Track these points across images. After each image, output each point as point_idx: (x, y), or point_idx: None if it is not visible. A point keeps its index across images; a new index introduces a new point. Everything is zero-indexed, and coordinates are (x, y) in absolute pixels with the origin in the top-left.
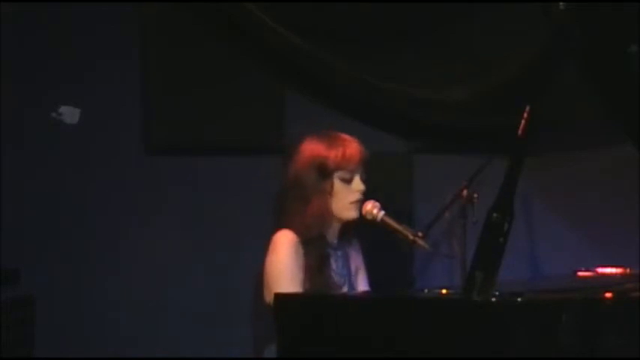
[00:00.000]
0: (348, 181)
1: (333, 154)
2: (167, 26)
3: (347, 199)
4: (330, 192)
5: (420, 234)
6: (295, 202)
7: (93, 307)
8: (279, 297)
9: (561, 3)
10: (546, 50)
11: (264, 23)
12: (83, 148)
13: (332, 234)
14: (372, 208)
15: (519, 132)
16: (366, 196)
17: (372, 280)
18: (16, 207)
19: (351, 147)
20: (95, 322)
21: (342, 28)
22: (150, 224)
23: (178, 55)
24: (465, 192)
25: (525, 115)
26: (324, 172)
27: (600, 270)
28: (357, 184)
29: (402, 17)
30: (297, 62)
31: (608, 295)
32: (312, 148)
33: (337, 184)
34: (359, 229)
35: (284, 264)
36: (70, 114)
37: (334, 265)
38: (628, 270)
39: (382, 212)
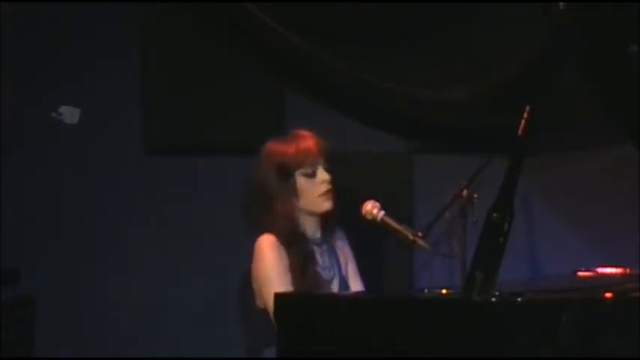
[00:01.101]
0: (311, 176)
1: (289, 153)
2: (167, 26)
3: (315, 192)
4: (294, 191)
5: (420, 234)
6: (260, 207)
7: (93, 307)
8: (279, 297)
9: (561, 3)
10: (546, 50)
11: (264, 23)
12: (83, 148)
13: (313, 229)
14: (372, 208)
15: (519, 132)
16: (366, 196)
17: (371, 279)
18: (16, 207)
19: (307, 141)
20: (95, 322)
21: (342, 28)
22: (150, 224)
23: (178, 55)
24: (465, 192)
25: (525, 115)
26: (284, 172)
27: (600, 270)
28: (322, 175)
29: (402, 17)
30: (297, 62)
31: (608, 295)
32: (270, 151)
33: (301, 180)
34: (357, 228)
35: (270, 268)
36: (70, 114)
37: (320, 260)
38: (628, 270)
39: (382, 212)
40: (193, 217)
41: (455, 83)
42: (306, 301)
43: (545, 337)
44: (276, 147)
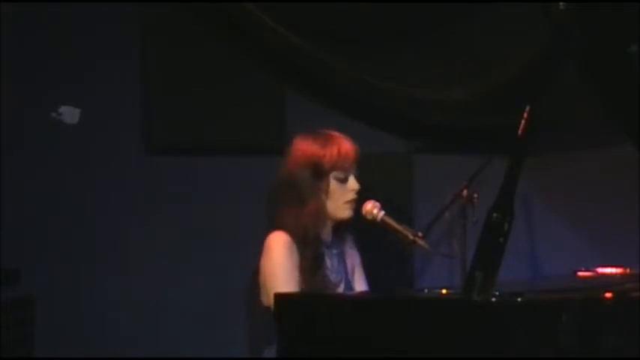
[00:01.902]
0: (343, 181)
1: (328, 154)
2: (167, 26)
3: (342, 198)
4: (325, 192)
5: (420, 234)
6: (290, 203)
7: (93, 307)
8: (279, 297)
9: (561, 3)
10: (546, 50)
11: (264, 23)
12: (83, 148)
13: (326, 233)
14: (372, 208)
15: (519, 132)
16: (366, 196)
17: (371, 279)
18: (16, 207)
19: (346, 146)
20: (95, 322)
21: (342, 28)
22: (150, 224)
23: (178, 55)
24: (465, 192)
25: (525, 115)
26: (319, 172)
27: (600, 270)
28: (352, 183)
29: (402, 17)
30: (297, 62)
31: (608, 295)
32: (306, 147)
33: (333, 184)
34: (357, 228)
35: (280, 265)
36: (70, 114)
37: (329, 263)
38: (628, 270)
39: (382, 212)
40: (193, 217)
41: (455, 83)
42: (306, 301)
43: (545, 337)
44: (312, 146)
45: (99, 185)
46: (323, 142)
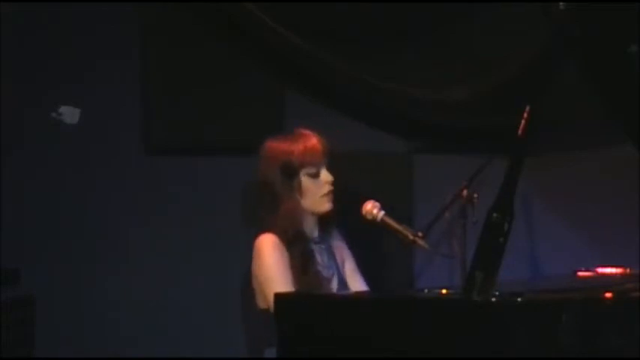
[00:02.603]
0: (315, 176)
1: (295, 151)
2: (167, 26)
3: (318, 193)
4: (298, 190)
5: (420, 234)
6: (267, 205)
7: (93, 307)
8: (279, 297)
9: (561, 3)
10: (546, 50)
11: (264, 23)
12: (83, 148)
13: (311, 229)
14: (372, 208)
15: (519, 132)
16: (366, 196)
17: (371, 280)
18: (16, 207)
19: (312, 141)
20: (95, 322)
21: (342, 28)
22: (150, 224)
23: (178, 55)
24: (465, 192)
25: (525, 115)
26: (289, 170)
27: (600, 270)
28: (325, 176)
29: (402, 17)
30: (297, 62)
31: (608, 295)
32: (273, 149)
33: (305, 180)
34: (357, 228)
35: (272, 267)
36: (70, 114)
37: (320, 259)
38: (628, 270)
39: (382, 212)
40: (193, 217)
41: (455, 83)
42: (306, 301)
43: (545, 337)
44: (280, 145)
45: (99, 185)
46: (290, 140)
